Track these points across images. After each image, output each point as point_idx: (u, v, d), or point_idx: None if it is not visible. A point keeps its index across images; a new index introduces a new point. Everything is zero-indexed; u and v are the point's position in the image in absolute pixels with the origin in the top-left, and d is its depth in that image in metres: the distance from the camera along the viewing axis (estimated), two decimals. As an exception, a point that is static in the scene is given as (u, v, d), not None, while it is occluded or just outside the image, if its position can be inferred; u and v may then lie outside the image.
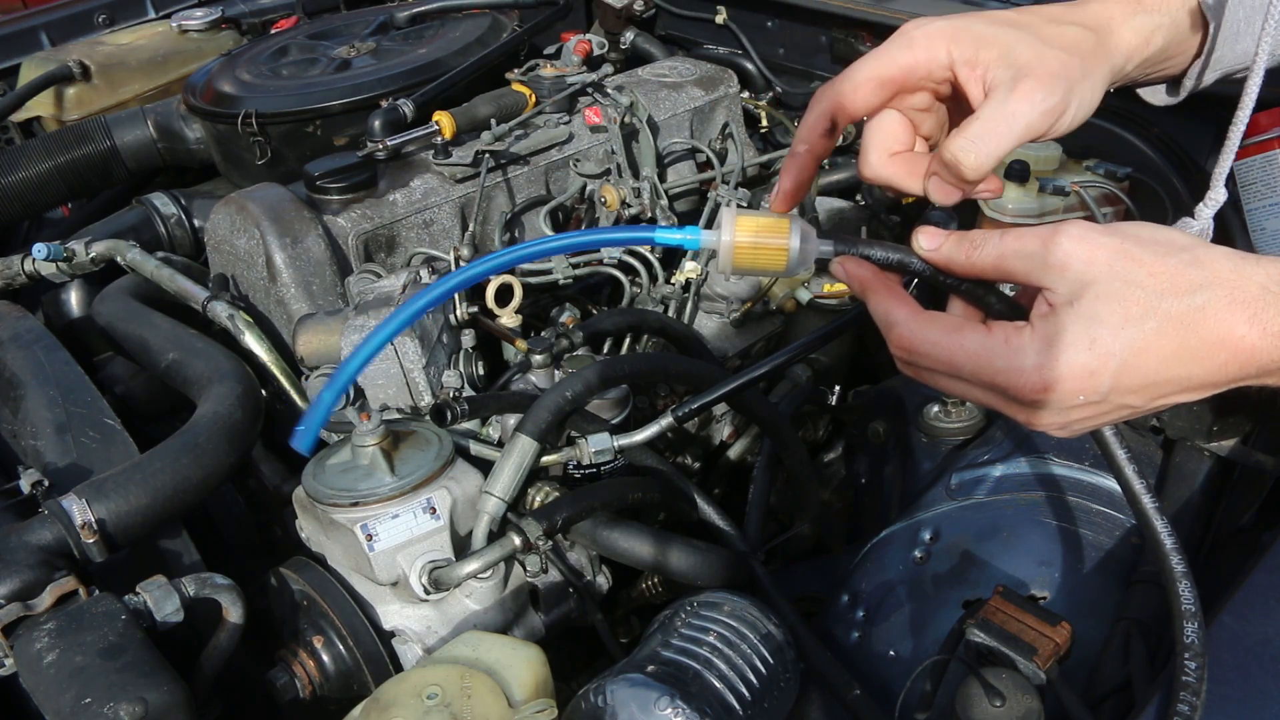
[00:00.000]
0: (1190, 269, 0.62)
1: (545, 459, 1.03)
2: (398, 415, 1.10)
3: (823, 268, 1.20)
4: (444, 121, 1.43)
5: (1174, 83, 0.91)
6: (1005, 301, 0.70)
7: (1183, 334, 0.62)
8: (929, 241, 0.70)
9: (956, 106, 0.78)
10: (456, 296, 1.25)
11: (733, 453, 1.40)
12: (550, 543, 0.94)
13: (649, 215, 1.57)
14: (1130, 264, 0.63)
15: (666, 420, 1.03)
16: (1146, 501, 0.76)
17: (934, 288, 0.73)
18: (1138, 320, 0.62)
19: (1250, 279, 0.62)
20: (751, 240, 0.70)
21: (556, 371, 1.18)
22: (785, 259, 0.70)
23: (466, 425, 1.13)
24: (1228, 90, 0.83)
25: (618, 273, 1.44)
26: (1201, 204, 0.84)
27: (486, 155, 1.44)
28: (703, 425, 1.39)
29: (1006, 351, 0.65)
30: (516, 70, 1.63)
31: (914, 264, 0.71)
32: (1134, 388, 0.64)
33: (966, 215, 1.48)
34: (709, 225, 1.57)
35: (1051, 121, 0.73)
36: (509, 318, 1.26)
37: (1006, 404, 0.68)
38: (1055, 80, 0.72)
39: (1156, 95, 0.93)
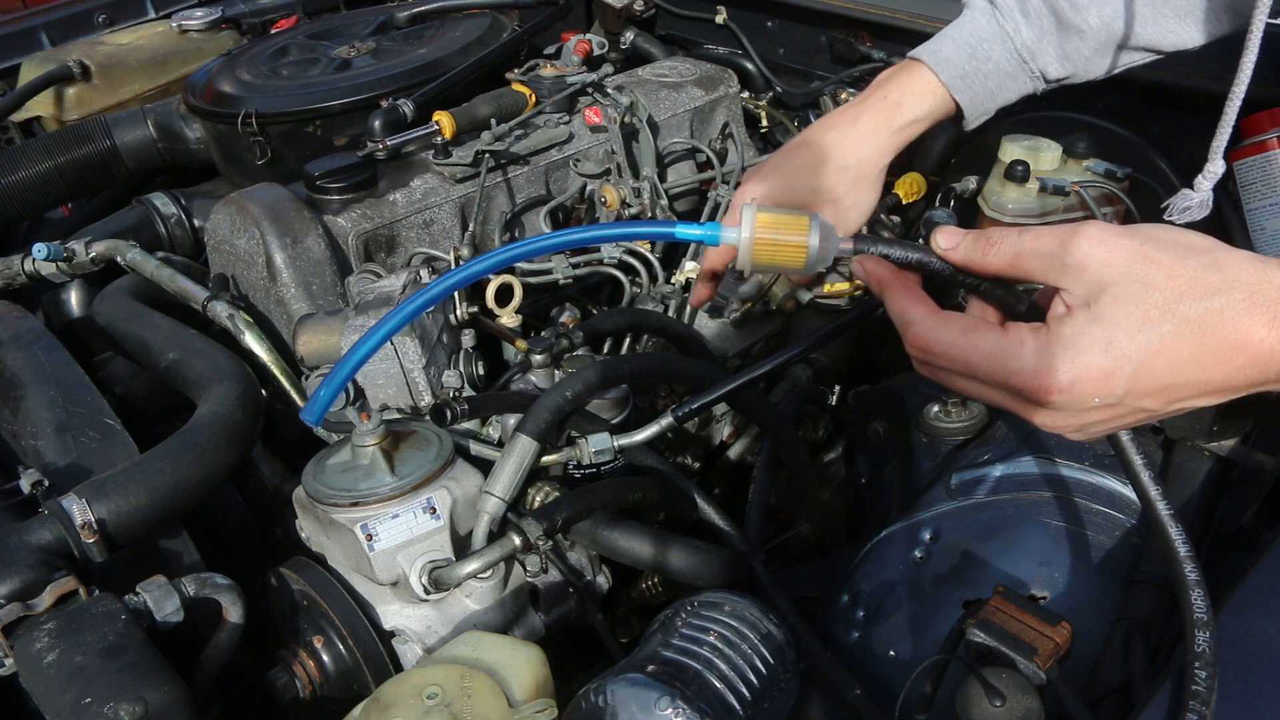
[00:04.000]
0: (1209, 272, 0.62)
1: (545, 459, 1.03)
2: (398, 415, 1.10)
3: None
4: (444, 121, 1.43)
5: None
6: (1023, 302, 0.70)
7: (1200, 337, 0.61)
8: (947, 240, 0.70)
9: None
10: (456, 296, 1.25)
11: (733, 453, 1.40)
12: (550, 543, 0.94)
13: (649, 215, 1.57)
14: (1148, 266, 0.62)
15: (666, 420, 1.03)
16: (1161, 508, 0.76)
17: (943, 287, 0.73)
18: (1155, 323, 0.62)
19: (1270, 282, 0.62)
20: (771, 237, 0.70)
21: (556, 371, 1.17)
22: (804, 256, 0.70)
23: (466, 425, 1.13)
24: (1228, 90, 0.84)
25: (618, 272, 1.44)
26: (1200, 176, 0.85)
27: (486, 155, 1.44)
28: (703, 425, 1.39)
29: (1021, 353, 0.65)
30: (516, 70, 1.63)
31: (933, 263, 0.71)
32: (1150, 391, 0.64)
33: (967, 215, 1.48)
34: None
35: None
36: (509, 318, 1.26)
37: (1021, 405, 0.67)
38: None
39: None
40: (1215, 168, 0.85)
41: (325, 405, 0.73)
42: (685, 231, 0.71)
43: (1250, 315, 0.61)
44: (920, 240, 0.75)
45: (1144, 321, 0.62)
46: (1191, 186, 0.88)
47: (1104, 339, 0.62)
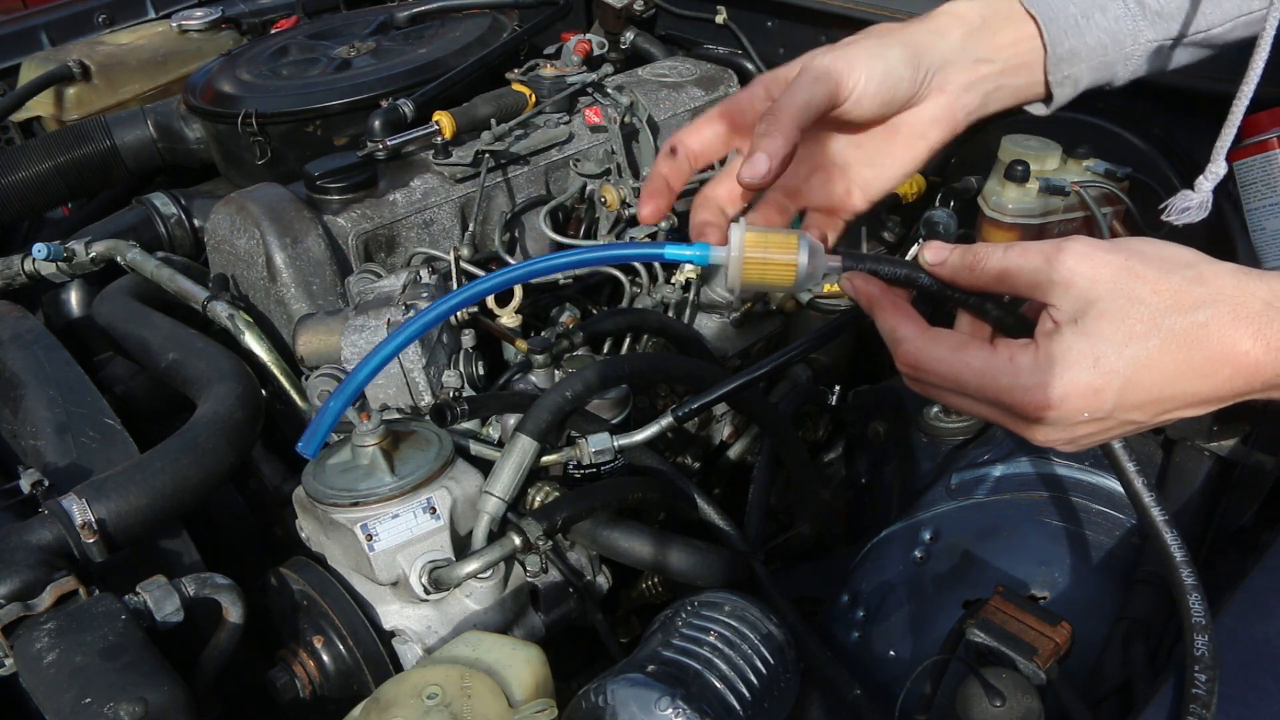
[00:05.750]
0: (1193, 285, 0.63)
1: (545, 459, 1.03)
2: (398, 415, 1.10)
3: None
4: (444, 121, 1.43)
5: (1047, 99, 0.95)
6: (1012, 316, 0.70)
7: (1186, 351, 0.62)
8: (934, 255, 0.70)
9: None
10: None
11: (733, 453, 1.40)
12: (550, 543, 0.94)
13: (649, 215, 1.57)
14: (1134, 281, 0.63)
15: (666, 420, 1.03)
16: (1156, 514, 0.76)
17: (936, 303, 0.73)
18: (1141, 338, 0.62)
19: (1253, 295, 0.62)
20: (760, 256, 0.70)
21: (556, 371, 1.18)
22: (793, 275, 0.71)
23: (466, 425, 1.13)
24: (1228, 90, 0.83)
25: (618, 273, 1.44)
26: (1201, 177, 0.84)
27: (486, 155, 1.44)
28: (703, 425, 1.39)
29: (1011, 369, 0.66)
30: (516, 70, 1.63)
31: (920, 279, 0.71)
32: (1138, 404, 0.64)
33: (968, 215, 1.48)
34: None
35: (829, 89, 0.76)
36: (509, 318, 1.26)
37: (1012, 420, 0.68)
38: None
39: (1036, 108, 0.96)
40: (1217, 168, 0.84)
41: (322, 438, 0.73)
42: (674, 252, 0.71)
43: (1235, 328, 0.61)
44: (920, 239, 0.75)
45: (1130, 336, 0.62)
46: (1193, 187, 0.87)
47: (1091, 355, 0.63)
